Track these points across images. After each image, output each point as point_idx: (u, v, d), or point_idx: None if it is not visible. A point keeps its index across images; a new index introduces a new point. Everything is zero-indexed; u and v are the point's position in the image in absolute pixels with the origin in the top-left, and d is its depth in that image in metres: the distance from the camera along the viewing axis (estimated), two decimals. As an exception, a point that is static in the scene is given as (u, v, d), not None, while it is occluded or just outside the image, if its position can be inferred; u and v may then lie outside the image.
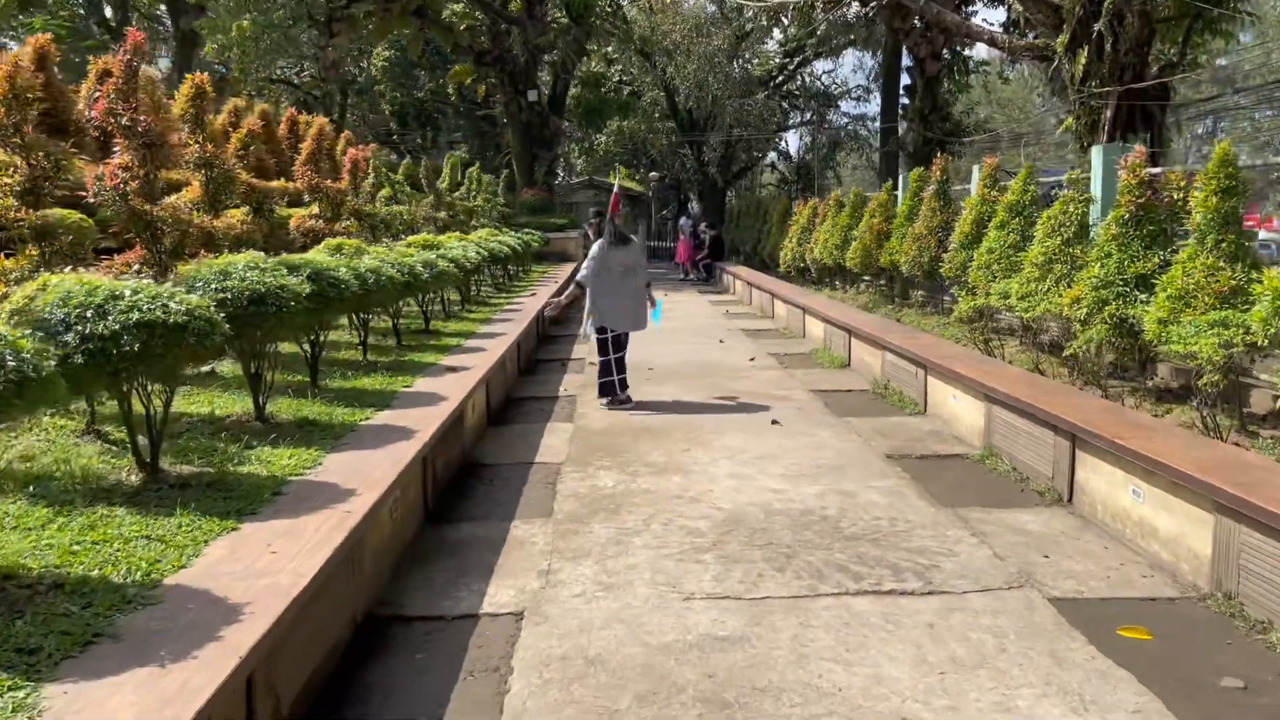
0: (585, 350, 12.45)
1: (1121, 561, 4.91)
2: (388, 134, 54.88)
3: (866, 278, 17.75)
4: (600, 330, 9.01)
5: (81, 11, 35.32)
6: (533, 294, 15.88)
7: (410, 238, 13.51)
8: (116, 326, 3.96)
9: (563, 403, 9.32)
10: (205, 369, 6.96)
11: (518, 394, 9.84)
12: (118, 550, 3.54)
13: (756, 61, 55.82)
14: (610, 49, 46.53)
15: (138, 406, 4.35)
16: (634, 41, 40.08)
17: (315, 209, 10.35)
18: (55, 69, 9.99)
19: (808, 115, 62.21)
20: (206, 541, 3.68)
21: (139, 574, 3.34)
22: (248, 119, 11.11)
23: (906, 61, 29.17)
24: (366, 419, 5.97)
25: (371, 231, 12.43)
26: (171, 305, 4.16)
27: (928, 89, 26.63)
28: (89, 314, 3.98)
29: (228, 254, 6.25)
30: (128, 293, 4.11)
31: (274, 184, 12.00)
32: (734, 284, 22.57)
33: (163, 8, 36.98)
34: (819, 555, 4.94)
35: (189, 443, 5.04)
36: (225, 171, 7.71)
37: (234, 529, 3.85)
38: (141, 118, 6.31)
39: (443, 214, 17.22)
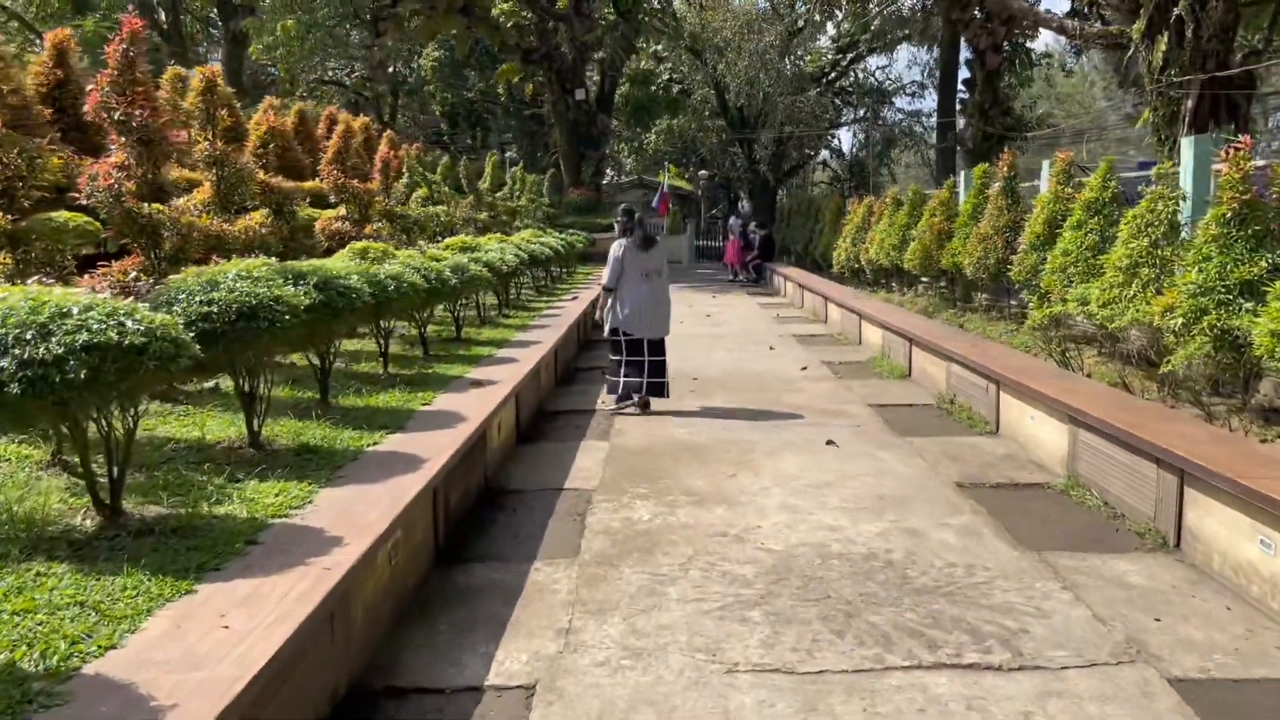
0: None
1: (1250, 628, 4.12)
2: (438, 135, 54.86)
3: (924, 280, 16.89)
4: (614, 331, 8.65)
5: (134, 14, 35.53)
6: (574, 297, 15.27)
7: (448, 240, 12.99)
8: (60, 350, 3.37)
9: (600, 417, 8.67)
10: (209, 384, 6.44)
11: (552, 406, 9.21)
12: (41, 624, 2.94)
13: (808, 58, 54.92)
14: (660, 47, 45.88)
15: (111, 433, 3.78)
16: (684, 39, 39.31)
17: (342, 211, 9.82)
18: (73, 65, 9.49)
19: (861, 112, 61.17)
20: (150, 610, 3.08)
21: (55, 658, 2.73)
22: (268, 116, 10.59)
23: (966, 55, 28.09)
24: (374, 444, 5.36)
25: (405, 234, 11.90)
26: (128, 324, 3.57)
27: (988, 83, 25.57)
28: (29, 335, 3.40)
29: (237, 260, 5.70)
30: (76, 310, 3.52)
31: (303, 185, 11.50)
32: (785, 286, 21.78)
33: (214, 11, 37.08)
34: (885, 614, 4.22)
35: (167, 476, 4.46)
36: (237, 171, 7.17)
37: (189, 591, 3.24)
38: (137, 112, 5.77)
39: (483, 215, 16.70)
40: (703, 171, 53.50)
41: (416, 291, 7.22)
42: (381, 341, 7.56)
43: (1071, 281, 9.13)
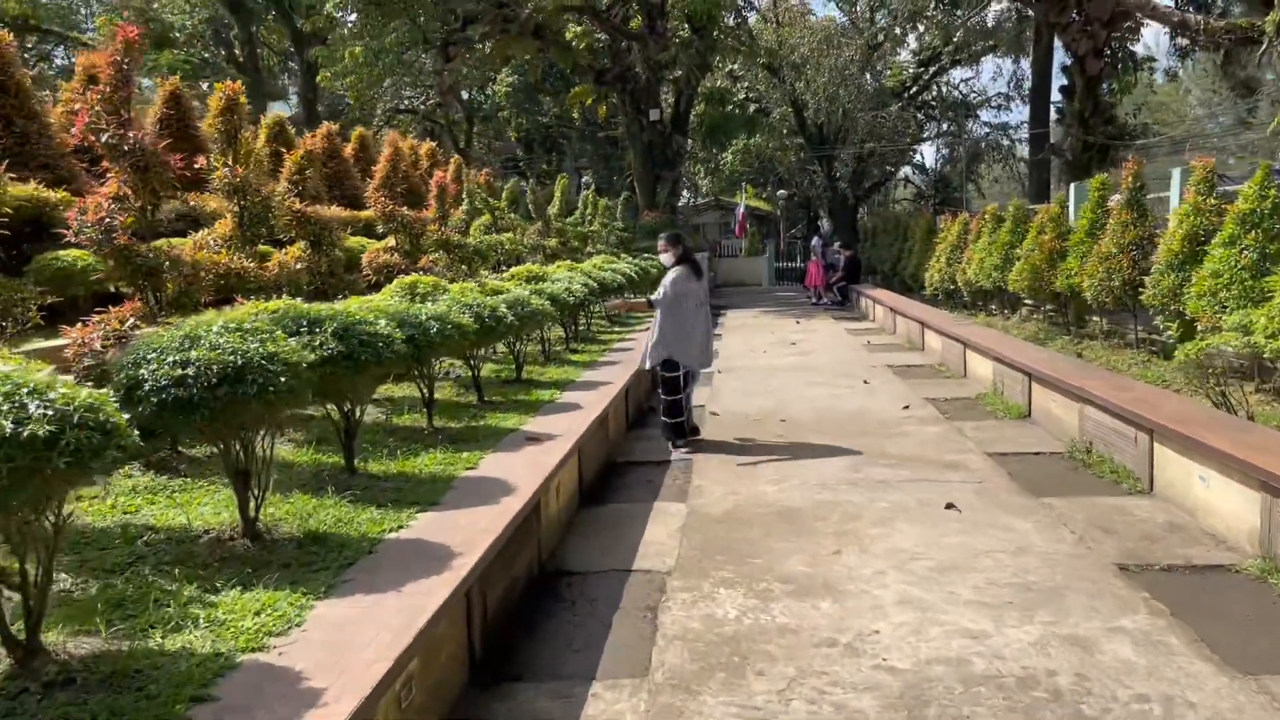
0: (705, 396, 10.72)
1: None
2: (513, 161, 54.73)
3: (1028, 302, 15.51)
4: (669, 365, 8.14)
5: (209, 49, 35.87)
6: (648, 327, 14.26)
7: (513, 270, 12.15)
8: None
9: (675, 470, 7.60)
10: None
11: (622, 456, 8.18)
12: None
13: (889, 72, 53.55)
14: (735, 66, 44.89)
15: (24, 552, 2.86)
16: (760, 56, 38.26)
17: (392, 241, 8.99)
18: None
19: (944, 126, 59.48)
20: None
21: None
22: (306, 139, 9.88)
23: (1063, 60, 26.47)
24: (399, 527, 4.39)
25: (465, 265, 11.06)
26: (32, 408, 2.64)
27: (1088, 90, 23.96)
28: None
29: (256, 303, 4.83)
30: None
31: (359, 214, 10.74)
32: (873, 309, 20.46)
33: (289, 43, 37.30)
34: (1070, 788, 3.06)
35: (127, 585, 3.54)
36: (263, 200, 6.33)
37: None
38: (131, 134, 4.94)
39: (552, 241, 15.84)
40: (781, 191, 52.30)
41: (464, 333, 6.29)
42: (425, 389, 6.63)
43: (1225, 307, 7.82)
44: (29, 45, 34.64)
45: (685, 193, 56.20)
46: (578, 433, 6.52)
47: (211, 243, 6.08)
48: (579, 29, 31.91)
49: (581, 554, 5.64)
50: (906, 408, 9.84)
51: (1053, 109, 29.85)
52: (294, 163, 7.45)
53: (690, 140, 39.07)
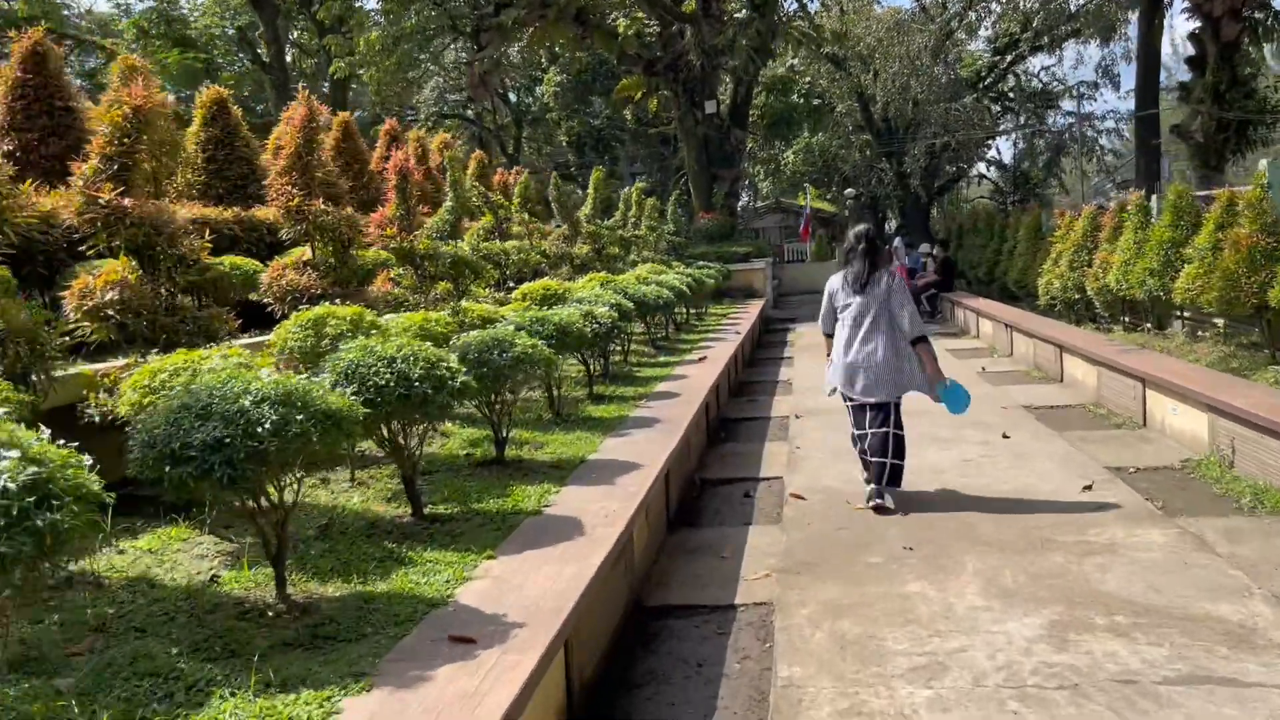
0: (782, 460, 7.61)
1: None
2: (565, 165, 52.10)
3: (1184, 316, 12.14)
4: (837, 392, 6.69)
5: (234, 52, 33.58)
6: (701, 357, 11.08)
7: (525, 286, 9.20)
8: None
9: (742, 637, 4.49)
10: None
11: (657, 598, 5.07)
12: None
13: (963, 61, 50.02)
14: (796, 60, 41.59)
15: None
16: (825, 43, 34.85)
17: (303, 252, 6.00)
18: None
19: (1022, 119, 55.74)
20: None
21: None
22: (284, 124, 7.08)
23: (1185, 28, 22.69)
24: None
25: (451, 282, 8.08)
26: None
27: (1224, 58, 20.29)
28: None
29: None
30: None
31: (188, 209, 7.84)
32: (975, 323, 17.02)
33: (318, 41, 34.92)
34: None
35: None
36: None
37: None
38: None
39: (583, 248, 12.79)
40: (849, 190, 48.98)
41: (326, 430, 3.19)
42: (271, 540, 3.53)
43: None
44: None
45: (744, 194, 53.10)
46: (551, 630, 3.37)
47: None
48: (626, 13, 28.93)
49: None
50: (1089, 487, 6.56)
51: (1178, 85, 25.97)
52: (111, 122, 4.48)
53: (750, 135, 35.79)
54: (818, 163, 51.71)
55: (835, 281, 6.68)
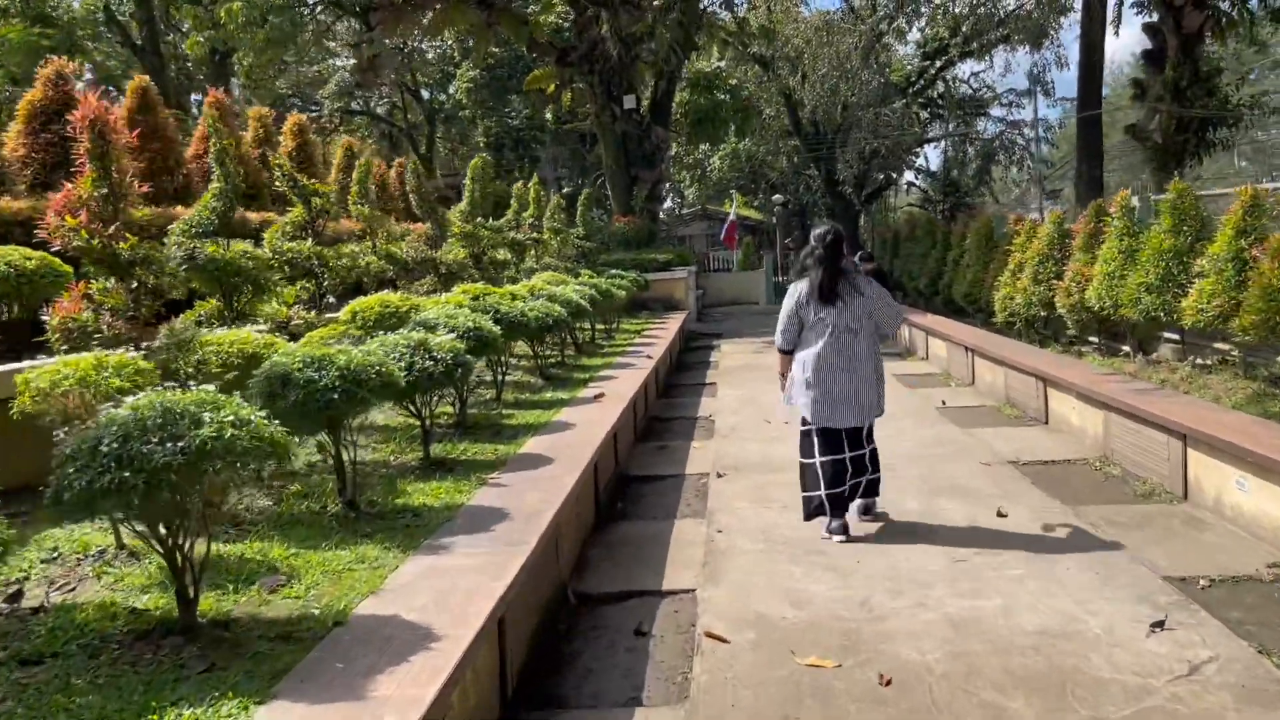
0: (697, 564, 5.20)
1: None
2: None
3: (1173, 340, 10.20)
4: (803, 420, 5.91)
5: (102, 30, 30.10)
6: (599, 394, 8.60)
7: (358, 301, 6.67)
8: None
9: None
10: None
11: None
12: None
13: (892, 67, 48.69)
14: (722, 63, 39.50)
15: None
16: (752, 38, 32.83)
17: None
18: None
19: (951, 125, 54.88)
20: None
21: None
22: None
23: (1146, 19, 21.00)
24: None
25: (224, 300, 5.51)
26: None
27: (1185, 51, 18.58)
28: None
29: None
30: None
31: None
32: (925, 343, 14.85)
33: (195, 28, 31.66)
34: None
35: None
36: None
37: None
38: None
39: (457, 253, 10.25)
40: (776, 197, 47.20)
41: None
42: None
43: None
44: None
45: (668, 199, 50.99)
46: None
47: None
48: (537, -1, 26.43)
49: None
50: (1160, 625, 4.26)
51: (1105, 89, 24.38)
52: None
53: (674, 134, 33.53)
54: (745, 169, 49.98)
55: (800, 292, 5.84)
